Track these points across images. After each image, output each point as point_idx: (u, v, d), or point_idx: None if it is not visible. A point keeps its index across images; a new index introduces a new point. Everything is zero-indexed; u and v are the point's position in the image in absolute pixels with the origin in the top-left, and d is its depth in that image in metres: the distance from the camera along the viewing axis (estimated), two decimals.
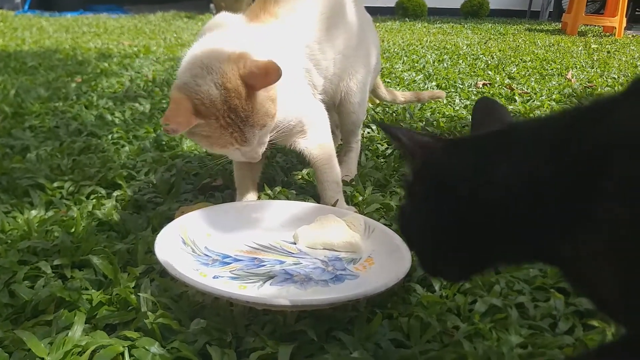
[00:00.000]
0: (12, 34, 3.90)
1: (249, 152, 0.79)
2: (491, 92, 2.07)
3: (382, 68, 2.52)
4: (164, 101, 1.84)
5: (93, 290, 0.71)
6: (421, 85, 2.22)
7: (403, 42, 3.82)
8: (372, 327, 0.64)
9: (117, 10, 6.60)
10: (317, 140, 0.95)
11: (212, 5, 6.67)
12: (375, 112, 1.71)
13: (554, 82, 2.30)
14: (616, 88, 2.21)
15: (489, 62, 2.88)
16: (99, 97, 1.87)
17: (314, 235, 0.84)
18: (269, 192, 1.04)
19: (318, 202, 0.98)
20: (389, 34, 4.40)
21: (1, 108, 1.64)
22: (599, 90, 2.13)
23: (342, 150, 1.19)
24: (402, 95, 1.45)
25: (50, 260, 0.77)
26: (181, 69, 0.80)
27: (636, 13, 6.19)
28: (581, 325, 0.66)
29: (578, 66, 2.79)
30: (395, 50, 3.32)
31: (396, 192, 1.06)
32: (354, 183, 1.11)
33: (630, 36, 4.69)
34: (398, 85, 2.21)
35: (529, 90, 2.11)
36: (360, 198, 1.03)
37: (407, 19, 6.15)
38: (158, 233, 0.76)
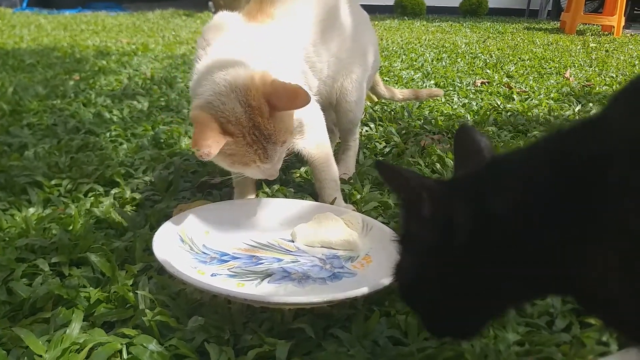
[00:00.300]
0: (10, 31, 3.88)
1: (269, 170, 0.78)
2: (489, 90, 2.08)
3: (381, 66, 2.52)
4: (162, 99, 1.84)
5: (91, 288, 0.71)
6: (420, 83, 2.22)
7: (402, 40, 3.82)
8: (369, 325, 0.64)
9: (116, 8, 6.59)
10: (315, 140, 0.95)
11: (210, 3, 6.65)
12: (373, 110, 1.71)
13: (552, 81, 2.30)
14: (614, 87, 2.21)
15: (488, 60, 2.88)
16: (97, 94, 1.86)
17: (312, 233, 0.84)
18: (267, 190, 1.04)
19: (316, 200, 0.98)
20: (387, 33, 4.39)
21: None
22: (597, 89, 2.13)
23: (340, 149, 1.20)
24: (400, 92, 1.46)
25: (48, 258, 0.77)
26: (199, 86, 0.77)
27: (635, 12, 6.19)
28: (578, 323, 0.66)
29: (576, 65, 2.79)
30: (394, 48, 3.31)
31: None
32: (352, 181, 1.11)
33: (628, 35, 4.69)
34: (397, 83, 2.21)
35: (527, 89, 2.11)
36: (359, 196, 1.03)
37: (405, 17, 6.14)
38: (156, 231, 0.76)
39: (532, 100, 1.91)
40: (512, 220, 0.39)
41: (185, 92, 1.96)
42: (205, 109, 0.73)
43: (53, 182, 1.06)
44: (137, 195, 1.02)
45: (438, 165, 1.18)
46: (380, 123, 1.57)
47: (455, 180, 0.48)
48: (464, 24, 5.35)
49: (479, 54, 3.12)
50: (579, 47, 3.60)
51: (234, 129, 0.72)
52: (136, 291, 0.69)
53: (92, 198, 1.01)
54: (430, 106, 1.79)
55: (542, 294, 0.56)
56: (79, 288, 0.70)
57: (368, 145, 1.35)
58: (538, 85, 2.21)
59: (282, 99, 0.73)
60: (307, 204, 0.93)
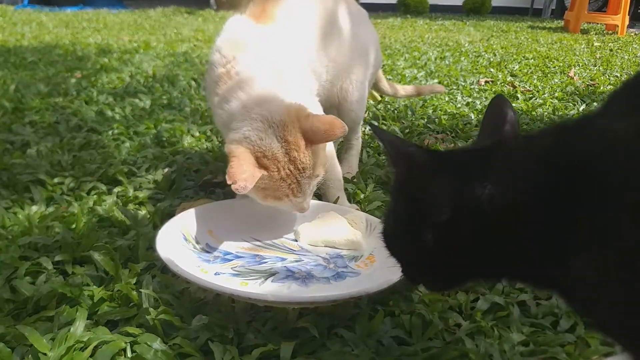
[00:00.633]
0: (12, 29, 3.88)
1: (300, 203, 0.78)
2: (493, 89, 2.07)
3: (384, 65, 2.52)
4: (164, 97, 1.84)
5: (94, 287, 0.71)
6: (423, 82, 2.22)
7: (405, 39, 3.81)
8: (374, 325, 0.64)
9: (117, 6, 6.58)
10: None
11: (212, 1, 6.65)
12: (376, 108, 1.71)
13: (556, 80, 2.30)
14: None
15: (491, 59, 2.87)
16: (99, 92, 1.86)
17: (315, 233, 0.84)
18: None
19: (320, 200, 0.98)
20: (390, 31, 4.38)
21: (1, 103, 1.64)
22: (602, 88, 2.12)
23: (342, 148, 1.19)
24: (402, 89, 1.45)
25: (51, 256, 0.77)
26: (233, 119, 0.78)
27: (639, 11, 6.16)
28: (582, 323, 0.66)
29: (580, 64, 2.78)
30: (397, 47, 3.31)
31: None
32: (355, 180, 1.11)
33: (632, 34, 4.67)
34: (400, 82, 2.20)
35: (531, 88, 2.11)
36: (362, 196, 1.03)
37: (408, 15, 6.13)
38: (159, 229, 0.76)
39: (536, 99, 1.91)
40: (492, 210, 0.39)
41: (188, 91, 1.96)
42: (243, 143, 0.74)
43: (56, 180, 1.06)
44: (140, 194, 1.02)
45: None
46: (384, 122, 1.57)
47: (446, 154, 0.49)
48: (467, 23, 5.34)
49: (483, 53, 3.11)
50: (583, 46, 3.59)
51: (269, 163, 0.73)
52: (140, 290, 0.69)
53: (95, 196, 1.01)
54: (434, 105, 1.78)
55: (519, 281, 0.58)
56: (83, 286, 0.70)
57: (371, 144, 1.35)
58: (542, 84, 2.20)
59: (319, 132, 0.74)
60: (310, 203, 0.93)
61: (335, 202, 0.94)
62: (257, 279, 0.73)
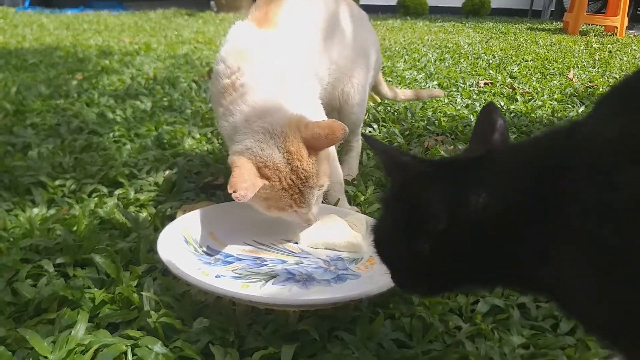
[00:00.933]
0: (13, 31, 3.89)
1: (305, 214, 0.79)
2: (492, 91, 2.07)
3: (384, 67, 2.52)
4: (165, 99, 1.84)
5: (95, 289, 0.71)
6: (423, 84, 2.22)
7: (404, 40, 3.81)
8: (374, 327, 0.64)
9: (118, 7, 6.59)
10: None
11: (212, 3, 6.66)
12: (376, 111, 1.71)
13: (555, 82, 2.30)
14: None
15: (491, 61, 2.88)
16: (100, 94, 1.87)
17: (316, 235, 0.84)
18: None
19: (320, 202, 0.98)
20: (390, 33, 4.39)
21: (2, 105, 1.64)
22: (601, 90, 2.12)
23: (343, 150, 1.19)
24: (402, 93, 1.46)
25: (52, 259, 0.77)
26: (236, 132, 0.79)
27: (638, 12, 6.17)
28: None
29: (579, 66, 2.79)
30: (397, 49, 3.31)
31: None
32: (355, 182, 1.11)
33: (631, 36, 4.68)
34: (399, 84, 2.21)
35: (530, 90, 2.11)
36: (362, 198, 1.03)
37: (408, 17, 6.14)
38: (160, 232, 0.76)
39: (535, 101, 1.91)
40: (486, 217, 0.40)
41: (188, 92, 1.96)
42: (245, 154, 0.75)
43: (57, 182, 1.06)
44: (141, 196, 1.02)
45: None
46: (384, 124, 1.57)
47: (440, 163, 0.49)
48: (467, 24, 5.34)
49: (482, 55, 3.11)
50: (582, 48, 3.60)
51: (271, 173, 0.74)
52: (141, 292, 0.69)
53: (96, 199, 1.01)
54: (433, 107, 1.78)
55: (513, 287, 0.58)
56: (84, 289, 0.70)
57: None
58: (541, 86, 2.20)
59: (320, 138, 0.75)
60: None
61: (335, 205, 0.95)
62: (258, 281, 0.73)
